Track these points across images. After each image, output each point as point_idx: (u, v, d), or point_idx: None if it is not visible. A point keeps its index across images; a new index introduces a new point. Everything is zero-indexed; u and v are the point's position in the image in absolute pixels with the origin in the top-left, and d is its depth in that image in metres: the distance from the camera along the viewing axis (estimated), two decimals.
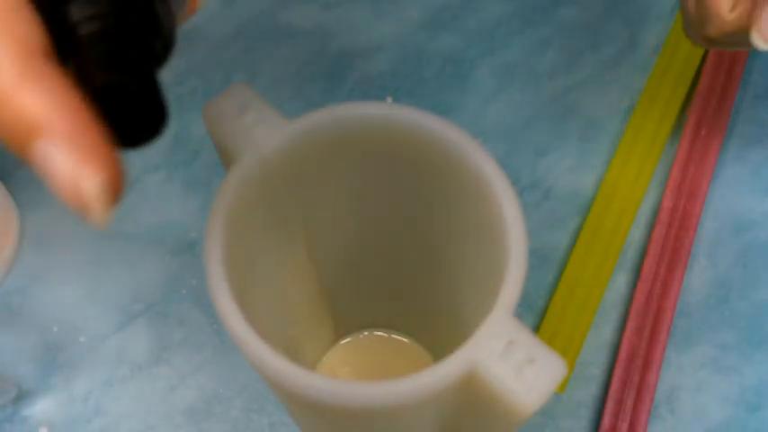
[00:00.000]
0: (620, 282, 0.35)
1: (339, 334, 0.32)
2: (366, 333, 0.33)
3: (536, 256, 0.35)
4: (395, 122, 0.21)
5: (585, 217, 0.36)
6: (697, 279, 0.35)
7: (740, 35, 0.26)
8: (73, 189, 0.16)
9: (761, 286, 0.35)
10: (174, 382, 0.33)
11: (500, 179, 0.21)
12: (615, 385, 0.32)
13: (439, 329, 0.29)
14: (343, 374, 0.32)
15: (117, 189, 0.16)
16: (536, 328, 0.34)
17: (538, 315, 0.34)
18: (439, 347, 0.31)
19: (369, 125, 0.22)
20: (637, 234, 0.36)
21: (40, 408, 0.33)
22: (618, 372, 0.32)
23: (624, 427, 0.31)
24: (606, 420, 0.31)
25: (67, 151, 0.15)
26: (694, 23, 0.28)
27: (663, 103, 0.38)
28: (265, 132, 0.21)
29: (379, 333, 0.33)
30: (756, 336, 0.34)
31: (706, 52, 0.39)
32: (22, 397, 0.33)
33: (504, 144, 0.38)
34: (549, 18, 0.41)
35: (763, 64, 0.40)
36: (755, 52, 0.40)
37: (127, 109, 0.16)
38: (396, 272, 0.28)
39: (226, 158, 0.22)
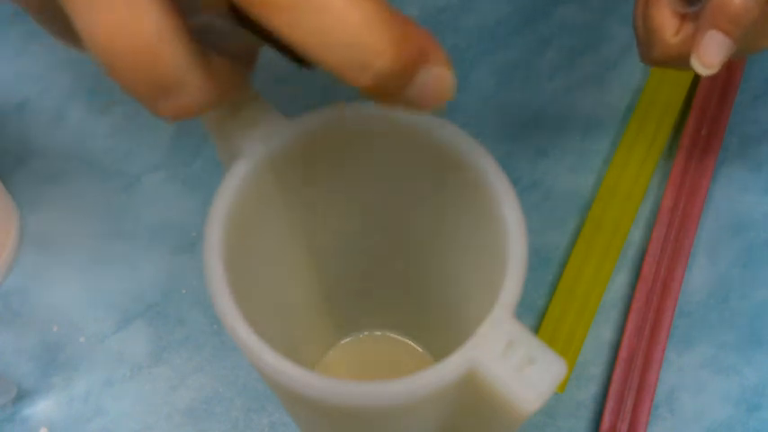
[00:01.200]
0: (620, 282, 0.35)
1: (339, 334, 0.32)
2: (366, 333, 0.33)
3: (536, 256, 0.35)
4: (395, 122, 0.21)
5: (585, 217, 0.36)
6: (697, 279, 0.35)
7: (683, 58, 0.27)
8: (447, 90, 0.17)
9: (761, 286, 0.35)
10: (174, 382, 0.33)
11: (500, 179, 0.21)
12: (615, 385, 0.32)
13: (439, 329, 0.29)
14: (343, 374, 0.32)
15: None
16: (536, 328, 0.34)
17: (538, 315, 0.34)
18: (439, 347, 0.31)
19: (369, 125, 0.21)
20: (637, 234, 0.36)
21: (40, 408, 0.33)
22: (618, 372, 0.32)
23: (624, 427, 0.31)
24: (606, 420, 0.31)
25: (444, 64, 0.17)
26: (642, 45, 0.29)
27: (663, 102, 0.38)
28: (265, 132, 0.21)
29: (379, 333, 0.33)
30: (756, 336, 0.34)
31: None
32: (22, 397, 0.33)
33: (504, 144, 0.38)
34: (548, 18, 0.41)
35: (764, 64, 0.40)
36: None
37: None
38: (395, 272, 0.28)
39: (226, 158, 0.22)
